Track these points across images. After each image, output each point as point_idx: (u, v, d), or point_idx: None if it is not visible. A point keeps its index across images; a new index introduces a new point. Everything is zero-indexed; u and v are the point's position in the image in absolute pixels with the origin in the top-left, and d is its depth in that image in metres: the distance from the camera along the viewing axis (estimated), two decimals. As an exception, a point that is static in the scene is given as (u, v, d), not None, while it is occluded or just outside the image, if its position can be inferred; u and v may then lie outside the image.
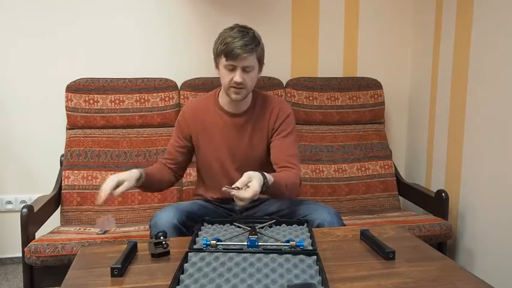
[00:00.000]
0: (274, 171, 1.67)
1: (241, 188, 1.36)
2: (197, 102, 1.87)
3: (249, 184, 1.37)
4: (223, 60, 1.60)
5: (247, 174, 1.40)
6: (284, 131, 1.72)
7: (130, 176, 1.55)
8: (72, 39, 2.47)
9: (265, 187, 1.44)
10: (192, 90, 2.42)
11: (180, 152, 1.78)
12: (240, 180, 1.38)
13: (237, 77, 1.59)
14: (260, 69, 1.70)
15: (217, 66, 1.67)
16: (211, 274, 1.13)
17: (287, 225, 1.53)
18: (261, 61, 1.67)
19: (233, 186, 1.37)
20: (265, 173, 1.47)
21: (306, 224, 1.52)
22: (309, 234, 1.40)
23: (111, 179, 1.51)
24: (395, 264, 1.24)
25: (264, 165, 1.72)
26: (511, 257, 1.96)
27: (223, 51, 1.57)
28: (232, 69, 1.60)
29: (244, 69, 1.60)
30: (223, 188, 1.38)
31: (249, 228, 1.42)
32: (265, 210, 1.74)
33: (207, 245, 1.28)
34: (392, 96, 2.74)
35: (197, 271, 1.15)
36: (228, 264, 1.18)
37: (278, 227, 1.52)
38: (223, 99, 1.74)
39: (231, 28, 1.62)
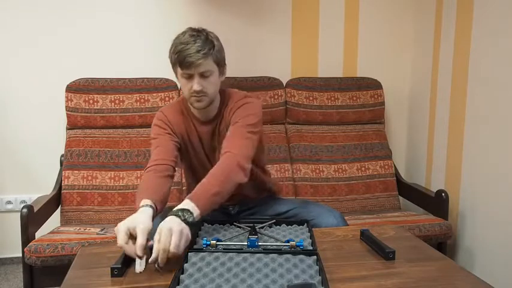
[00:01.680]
0: (260, 166, 1.69)
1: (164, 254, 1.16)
2: (172, 107, 1.70)
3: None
4: (179, 70, 1.52)
5: (158, 233, 1.19)
6: (233, 122, 1.57)
7: (144, 218, 1.27)
8: (72, 39, 2.47)
9: (192, 218, 1.27)
10: (192, 90, 2.41)
11: (177, 148, 1.61)
12: (153, 255, 1.17)
13: (196, 85, 1.49)
14: (221, 72, 1.57)
15: (176, 76, 1.59)
16: (211, 274, 1.13)
17: (287, 225, 1.52)
18: (220, 63, 1.55)
19: (150, 261, 1.17)
20: (189, 202, 1.31)
21: (306, 224, 1.52)
22: (309, 234, 1.40)
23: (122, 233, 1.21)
24: (395, 264, 1.23)
25: None
26: (511, 257, 1.96)
27: (177, 60, 1.50)
28: (189, 77, 1.51)
29: (202, 75, 1.49)
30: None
31: (249, 228, 1.42)
32: (265, 213, 1.72)
33: (207, 245, 1.28)
34: (392, 97, 2.74)
35: (197, 271, 1.14)
36: (228, 264, 1.18)
37: (278, 227, 1.51)
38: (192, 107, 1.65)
39: (183, 33, 1.53)
